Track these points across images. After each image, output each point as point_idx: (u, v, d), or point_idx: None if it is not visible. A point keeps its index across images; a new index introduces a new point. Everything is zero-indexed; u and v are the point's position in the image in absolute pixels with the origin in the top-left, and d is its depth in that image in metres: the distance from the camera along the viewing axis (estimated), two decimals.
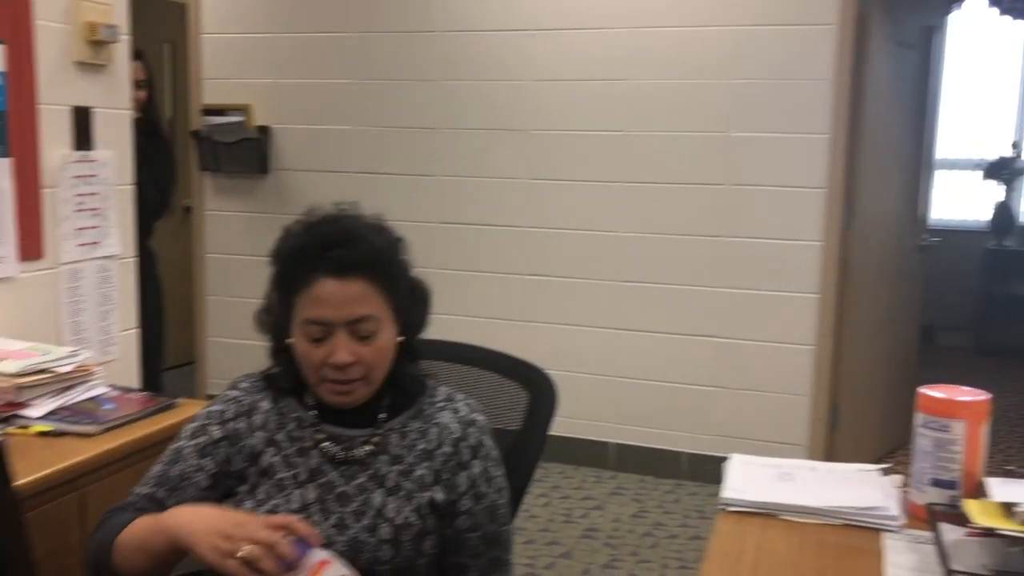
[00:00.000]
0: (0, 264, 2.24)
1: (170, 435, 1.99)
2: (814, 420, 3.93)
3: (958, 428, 1.50)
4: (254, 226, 4.62)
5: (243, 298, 4.56)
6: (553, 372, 1.74)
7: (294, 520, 1.22)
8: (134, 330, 2.69)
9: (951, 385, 1.57)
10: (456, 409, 1.47)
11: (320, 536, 1.26)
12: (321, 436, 1.43)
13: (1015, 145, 6.61)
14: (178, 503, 1.38)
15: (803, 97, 3.79)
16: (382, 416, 1.45)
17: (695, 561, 3.32)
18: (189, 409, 2.08)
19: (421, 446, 1.44)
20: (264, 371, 1.50)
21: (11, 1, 2.23)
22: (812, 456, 3.80)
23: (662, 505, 3.84)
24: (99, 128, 2.51)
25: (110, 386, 2.15)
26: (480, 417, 1.49)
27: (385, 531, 1.38)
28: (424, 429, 1.45)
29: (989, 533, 1.32)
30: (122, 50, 2.58)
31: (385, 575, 1.38)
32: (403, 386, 1.47)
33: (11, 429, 1.88)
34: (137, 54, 3.05)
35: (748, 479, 1.69)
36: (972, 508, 1.38)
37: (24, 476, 1.60)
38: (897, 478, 1.69)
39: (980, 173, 6.62)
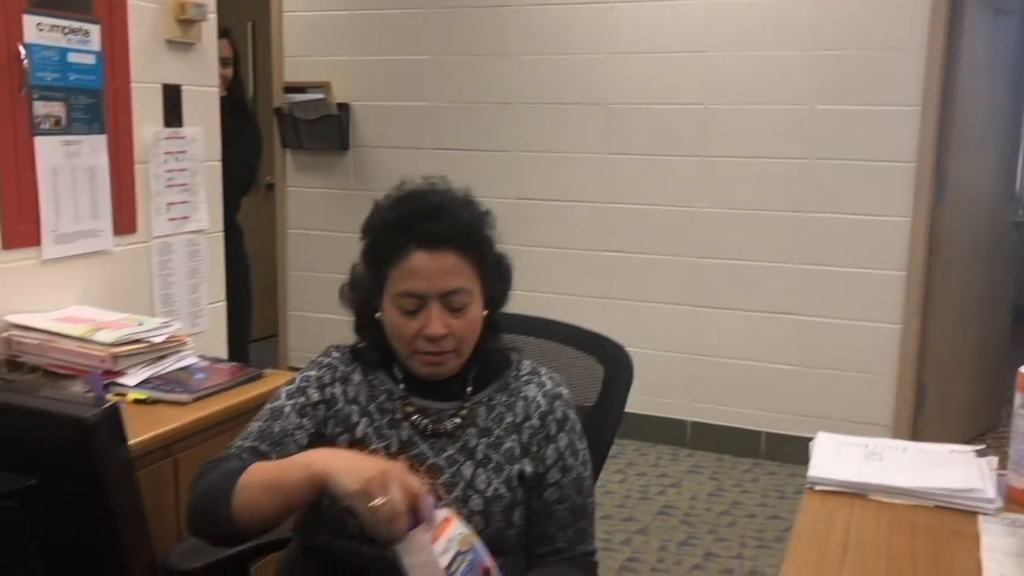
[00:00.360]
0: (97, 238, 2.32)
1: (258, 405, 2.03)
2: (899, 401, 3.83)
3: None
4: (334, 202, 4.70)
5: (324, 273, 4.65)
6: (630, 349, 1.72)
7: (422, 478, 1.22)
8: (222, 302, 2.76)
9: None
10: (542, 383, 1.48)
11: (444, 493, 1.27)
12: (410, 409, 1.45)
13: None
14: (280, 458, 1.37)
15: (893, 67, 3.66)
16: (469, 389, 1.46)
17: (774, 540, 3.28)
18: (276, 379, 2.14)
19: (508, 419, 1.45)
20: (352, 345, 1.52)
21: None
22: (896, 438, 3.70)
23: (740, 484, 3.80)
24: (188, 105, 2.57)
25: (200, 356, 2.22)
26: (565, 390, 1.50)
27: (476, 503, 1.39)
28: (511, 402, 1.46)
29: None
30: (210, 28, 2.63)
31: None
32: (489, 360, 1.49)
33: (109, 397, 1.95)
34: (223, 32, 3.11)
35: (836, 458, 1.65)
36: None
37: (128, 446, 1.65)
38: (993, 460, 1.63)
39: None
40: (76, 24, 2.19)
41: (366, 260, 1.45)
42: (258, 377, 2.14)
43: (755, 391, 4.06)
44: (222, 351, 2.74)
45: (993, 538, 1.37)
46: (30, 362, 2.05)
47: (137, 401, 1.95)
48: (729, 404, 4.11)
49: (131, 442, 1.77)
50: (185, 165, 2.57)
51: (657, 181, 4.09)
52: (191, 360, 2.16)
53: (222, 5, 2.68)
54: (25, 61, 2.07)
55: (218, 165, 2.71)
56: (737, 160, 3.95)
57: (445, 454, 1.42)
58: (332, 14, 4.58)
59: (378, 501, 1.14)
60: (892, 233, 3.76)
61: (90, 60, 2.24)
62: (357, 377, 1.48)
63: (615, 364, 1.71)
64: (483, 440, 1.43)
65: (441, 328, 1.37)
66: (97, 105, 2.27)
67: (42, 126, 2.14)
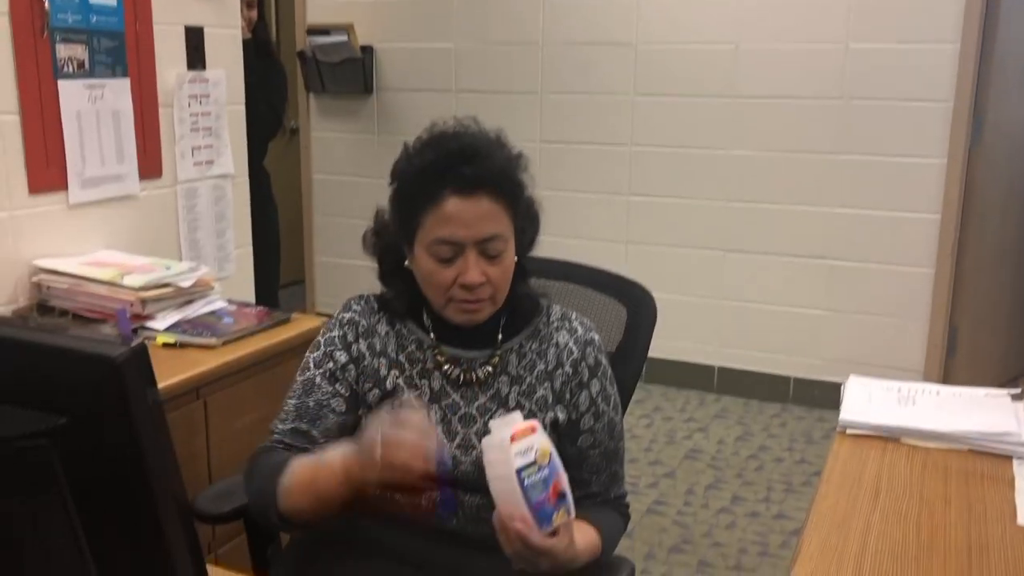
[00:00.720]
0: (123, 182, 2.32)
1: (286, 349, 2.06)
2: (930, 346, 3.79)
3: None
4: (359, 147, 4.67)
5: (349, 218, 4.65)
6: (657, 294, 1.68)
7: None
8: (248, 247, 2.76)
9: None
10: (573, 328, 1.46)
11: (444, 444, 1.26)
12: (441, 358, 1.42)
13: None
14: (323, 432, 1.38)
15: (930, 3, 3.55)
16: (500, 337, 1.44)
17: (802, 484, 3.28)
18: (303, 324, 2.14)
19: (540, 367, 1.43)
20: (377, 295, 1.49)
21: None
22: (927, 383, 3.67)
23: (767, 429, 3.79)
24: (211, 47, 2.54)
25: (228, 300, 2.22)
26: (596, 336, 1.48)
27: None
28: (542, 350, 1.44)
29: None
30: None
31: None
32: (519, 306, 1.46)
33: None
34: None
35: (868, 401, 1.63)
36: None
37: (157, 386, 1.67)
38: None
39: None
40: None
41: (395, 206, 1.40)
42: (286, 321, 2.15)
43: (784, 336, 4.03)
44: (249, 296, 2.74)
45: None
46: (60, 306, 2.07)
47: (166, 345, 1.96)
48: (757, 349, 4.08)
49: (161, 385, 1.79)
50: (209, 109, 2.55)
51: (686, 123, 4.02)
52: (219, 304, 2.17)
53: None
54: (46, 2, 2.04)
55: (242, 108, 2.69)
56: (768, 101, 3.87)
57: (477, 403, 1.41)
58: None
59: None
60: (926, 175, 3.68)
61: (111, 2, 2.21)
62: (383, 328, 1.45)
63: (638, 306, 1.68)
64: (515, 388, 1.42)
65: (478, 276, 1.34)
66: (119, 48, 2.25)
67: (65, 69, 2.12)
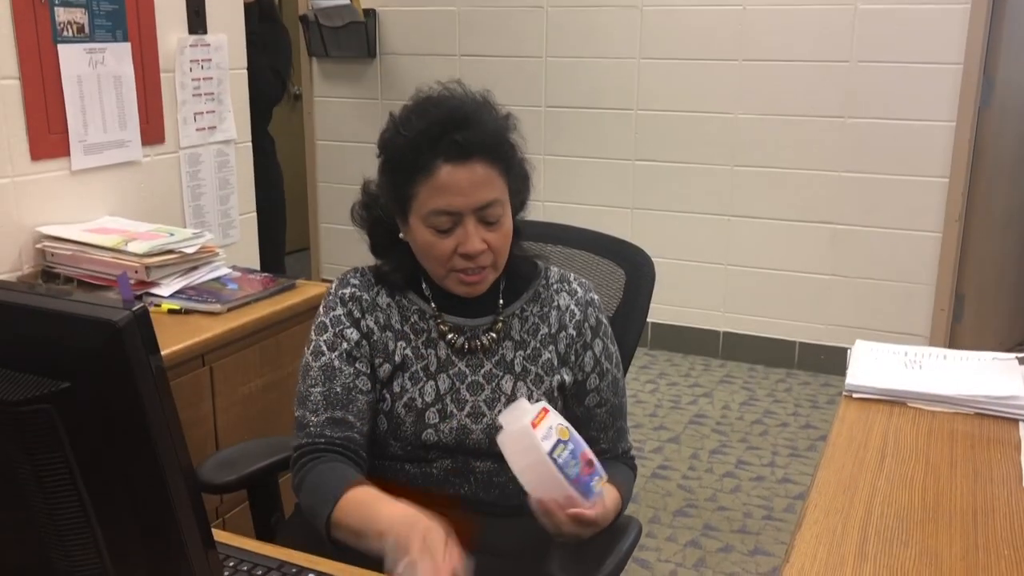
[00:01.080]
0: (125, 148, 2.30)
1: (291, 315, 2.06)
2: (936, 311, 3.78)
3: None
4: (362, 112, 4.64)
5: (354, 185, 4.60)
6: (662, 260, 1.68)
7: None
8: (252, 214, 2.75)
9: None
10: (573, 290, 1.46)
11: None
12: (444, 328, 1.41)
13: None
14: (357, 415, 1.36)
15: None
16: (501, 302, 1.43)
17: (807, 449, 3.29)
18: (308, 290, 2.14)
19: (543, 330, 1.43)
20: (372, 266, 1.46)
21: None
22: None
23: (772, 394, 3.80)
24: (212, 11, 2.51)
25: (232, 267, 2.22)
26: (595, 296, 1.48)
27: None
28: (544, 313, 1.44)
29: None
30: None
31: None
32: (517, 269, 1.45)
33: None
34: None
35: (874, 366, 1.63)
36: None
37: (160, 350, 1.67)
38: None
39: None
40: None
41: (386, 178, 1.37)
42: (290, 287, 2.14)
43: (789, 301, 4.02)
44: (254, 262, 2.74)
45: None
46: (64, 273, 2.07)
47: (171, 311, 1.96)
48: (762, 314, 4.08)
49: (166, 352, 1.80)
50: (211, 74, 2.53)
51: (692, 86, 3.98)
52: (223, 271, 2.17)
53: None
54: None
55: (244, 73, 2.67)
56: (775, 64, 3.82)
57: (483, 370, 1.41)
58: None
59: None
60: (935, 138, 3.64)
61: None
62: (384, 300, 1.43)
63: (636, 269, 1.67)
64: (519, 353, 1.42)
65: (479, 244, 1.32)
66: (119, 12, 2.22)
67: (64, 33, 2.10)
